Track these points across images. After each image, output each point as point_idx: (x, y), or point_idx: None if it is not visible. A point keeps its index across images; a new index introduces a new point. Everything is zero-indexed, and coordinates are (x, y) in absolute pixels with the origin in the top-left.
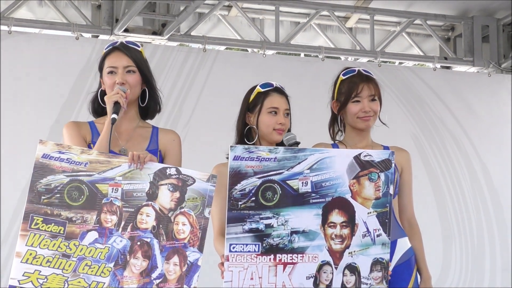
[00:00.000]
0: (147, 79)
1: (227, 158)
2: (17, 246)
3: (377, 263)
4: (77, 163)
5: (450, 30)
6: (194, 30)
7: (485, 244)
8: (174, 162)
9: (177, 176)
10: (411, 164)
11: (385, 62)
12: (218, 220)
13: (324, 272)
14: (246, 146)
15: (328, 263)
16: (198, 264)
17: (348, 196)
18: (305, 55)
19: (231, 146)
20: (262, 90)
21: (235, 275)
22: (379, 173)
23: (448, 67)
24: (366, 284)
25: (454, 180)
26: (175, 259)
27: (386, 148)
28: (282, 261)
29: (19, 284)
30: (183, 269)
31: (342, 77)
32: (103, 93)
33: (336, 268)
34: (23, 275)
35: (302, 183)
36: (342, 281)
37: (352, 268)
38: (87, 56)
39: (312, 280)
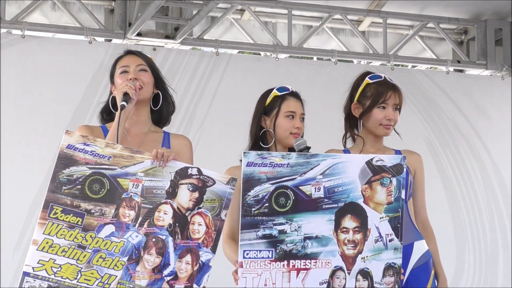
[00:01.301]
0: (159, 80)
1: (240, 161)
2: (34, 234)
3: (389, 268)
4: (101, 156)
5: (463, 34)
6: (206, 34)
7: (499, 248)
8: None
9: (198, 176)
10: (423, 166)
11: (398, 65)
12: (227, 223)
13: (337, 278)
14: (259, 152)
15: (341, 269)
16: (210, 265)
17: (360, 201)
18: (317, 58)
19: (244, 152)
20: (279, 93)
21: (249, 282)
22: (391, 178)
23: (461, 71)
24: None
25: (468, 184)
26: (188, 258)
27: (397, 152)
28: (296, 267)
29: (33, 271)
30: (194, 268)
31: (369, 80)
32: (114, 100)
33: (349, 273)
34: (37, 263)
35: (315, 188)
36: (355, 287)
37: (365, 273)
38: (100, 60)
39: (325, 286)
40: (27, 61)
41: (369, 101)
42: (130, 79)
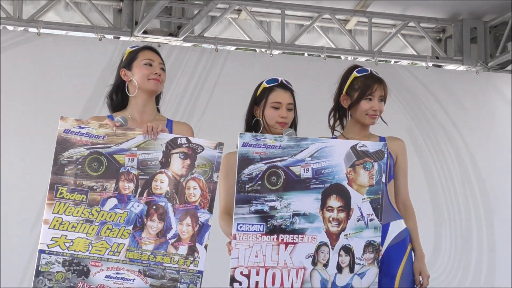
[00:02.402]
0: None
1: (237, 147)
2: (44, 214)
3: (369, 245)
4: (96, 136)
5: (441, 32)
6: (207, 32)
7: (473, 227)
8: None
9: (187, 145)
10: (406, 151)
11: (382, 61)
12: (223, 200)
13: (322, 252)
14: (254, 134)
15: (325, 244)
16: (209, 224)
17: (344, 183)
18: (308, 54)
19: (240, 134)
20: (267, 85)
21: (241, 253)
22: (373, 163)
23: (439, 66)
24: (359, 264)
25: (445, 169)
26: (188, 220)
27: (382, 139)
28: (284, 241)
29: (48, 248)
30: (195, 229)
31: (356, 74)
32: (123, 84)
33: (332, 248)
34: (51, 240)
35: (304, 169)
36: (338, 261)
37: (347, 249)
38: (109, 56)
39: (310, 259)
40: (42, 57)
41: (357, 94)
42: (156, 73)
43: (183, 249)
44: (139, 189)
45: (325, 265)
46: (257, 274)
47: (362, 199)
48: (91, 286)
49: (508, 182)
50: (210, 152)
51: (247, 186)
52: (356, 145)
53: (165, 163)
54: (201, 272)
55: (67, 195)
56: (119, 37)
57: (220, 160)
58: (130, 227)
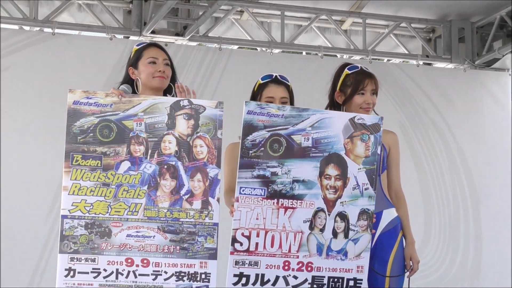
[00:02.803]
0: (174, 74)
1: (239, 138)
2: (63, 181)
3: (363, 213)
4: (104, 105)
5: (431, 32)
6: (211, 32)
7: (460, 215)
8: None
9: (190, 106)
10: (398, 143)
11: (375, 59)
12: (227, 180)
13: (319, 218)
14: (259, 102)
15: (322, 210)
16: (218, 178)
17: (342, 153)
18: (306, 53)
19: (245, 102)
20: (262, 82)
21: (243, 215)
22: (370, 135)
23: (429, 64)
24: (354, 230)
25: (435, 161)
26: (198, 176)
27: None
28: (284, 205)
29: (69, 213)
30: (206, 184)
31: (348, 71)
32: (132, 81)
33: (329, 214)
34: (71, 205)
35: (304, 138)
36: (334, 227)
37: (343, 216)
38: (119, 54)
39: (308, 224)
40: (57, 56)
41: (350, 89)
42: (160, 71)
43: (197, 204)
44: (149, 151)
45: (322, 230)
46: (257, 236)
47: (358, 169)
48: (114, 246)
49: (494, 173)
50: (212, 111)
51: (250, 152)
52: (354, 117)
53: (171, 124)
54: (216, 224)
55: (82, 162)
56: (129, 37)
57: (222, 118)
58: (145, 187)
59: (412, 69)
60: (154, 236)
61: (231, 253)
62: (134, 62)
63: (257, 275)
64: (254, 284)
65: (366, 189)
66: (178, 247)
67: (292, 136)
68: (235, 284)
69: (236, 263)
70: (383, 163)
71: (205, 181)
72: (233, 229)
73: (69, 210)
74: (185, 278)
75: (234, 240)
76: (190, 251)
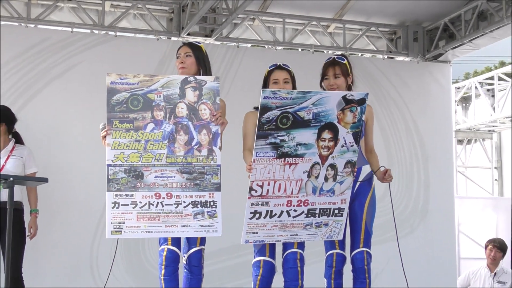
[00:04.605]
0: (200, 61)
1: (255, 108)
2: (107, 140)
3: (348, 163)
4: (132, 83)
5: (393, 34)
6: (231, 34)
7: (414, 169)
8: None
9: (195, 81)
10: (373, 115)
11: (352, 54)
12: (245, 141)
13: (315, 169)
14: (272, 90)
15: (318, 163)
16: (218, 132)
17: (335, 122)
18: (301, 50)
19: (262, 89)
20: (269, 69)
21: (258, 171)
22: (357, 107)
23: (391, 58)
24: (340, 175)
25: (395, 129)
26: (204, 131)
27: None
28: (289, 162)
29: (112, 162)
30: (210, 137)
31: (324, 64)
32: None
33: (322, 166)
34: (113, 157)
35: (307, 113)
36: (325, 174)
37: (333, 166)
38: (163, 52)
39: (306, 173)
40: (118, 53)
41: (321, 76)
42: (181, 62)
43: (204, 152)
44: (167, 115)
45: (316, 177)
46: (268, 185)
47: (347, 132)
48: (145, 184)
49: (439, 137)
50: (212, 84)
51: (265, 126)
52: (346, 95)
53: (182, 95)
54: (219, 166)
55: (119, 125)
56: (170, 38)
57: (219, 89)
58: (166, 141)
59: (379, 61)
60: (174, 176)
61: (248, 198)
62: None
63: (267, 211)
64: (264, 217)
65: (351, 145)
66: (192, 183)
67: (297, 113)
68: (251, 218)
69: (252, 204)
70: (362, 131)
71: (209, 135)
72: (250, 181)
73: (112, 161)
74: (198, 206)
75: (251, 189)
76: (201, 185)
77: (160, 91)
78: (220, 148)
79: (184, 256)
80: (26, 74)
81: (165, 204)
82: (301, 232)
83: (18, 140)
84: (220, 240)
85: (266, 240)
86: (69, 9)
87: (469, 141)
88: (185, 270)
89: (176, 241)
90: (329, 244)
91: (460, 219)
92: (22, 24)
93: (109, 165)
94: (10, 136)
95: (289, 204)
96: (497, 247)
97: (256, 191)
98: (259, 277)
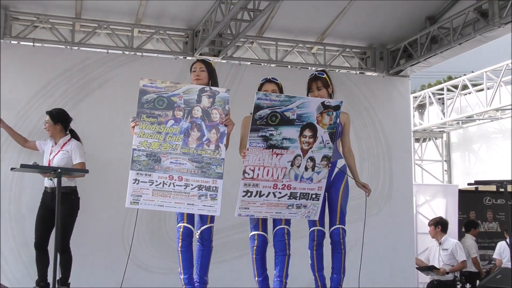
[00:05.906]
0: (211, 75)
1: (250, 113)
2: (135, 129)
3: (324, 157)
4: (160, 88)
5: (364, 54)
6: (234, 54)
7: (380, 161)
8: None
9: (210, 90)
10: (350, 120)
11: (331, 70)
12: (241, 140)
13: (297, 160)
14: (265, 92)
15: (299, 155)
16: (225, 133)
17: (315, 122)
18: (290, 67)
19: (256, 92)
20: (261, 82)
21: (251, 158)
22: (333, 111)
23: (363, 73)
24: (318, 166)
25: (366, 130)
26: (214, 130)
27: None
28: (276, 152)
29: (137, 148)
30: (217, 135)
31: (308, 79)
32: None
33: (303, 157)
34: (138, 143)
35: (292, 114)
36: (305, 165)
37: (312, 158)
38: (180, 68)
39: (290, 163)
40: (144, 71)
41: (307, 90)
42: (197, 75)
43: (212, 147)
44: (185, 115)
45: (298, 166)
46: (259, 170)
47: (324, 132)
48: (162, 168)
49: (399, 136)
50: (223, 94)
51: (257, 122)
52: (324, 101)
53: (198, 100)
54: (223, 159)
55: (146, 119)
56: (186, 57)
57: (229, 98)
58: (182, 135)
59: (353, 76)
60: (186, 163)
61: (242, 179)
62: (191, 72)
63: (257, 191)
64: (255, 196)
65: (327, 143)
66: (200, 171)
67: (284, 113)
68: (243, 196)
69: (245, 185)
70: (339, 133)
71: (217, 134)
72: (244, 166)
73: (137, 146)
74: (203, 189)
75: (244, 172)
76: (207, 173)
77: (181, 96)
78: (226, 146)
79: (197, 232)
80: (72, 86)
81: (176, 185)
82: (284, 211)
83: (74, 136)
84: (226, 219)
85: (255, 215)
86: (105, 34)
87: (424, 140)
88: (198, 243)
89: (190, 220)
90: (311, 222)
91: (417, 202)
92: (68, 46)
93: (134, 149)
94: (67, 132)
95: (275, 187)
96: (431, 224)
97: (248, 174)
98: (255, 247)
